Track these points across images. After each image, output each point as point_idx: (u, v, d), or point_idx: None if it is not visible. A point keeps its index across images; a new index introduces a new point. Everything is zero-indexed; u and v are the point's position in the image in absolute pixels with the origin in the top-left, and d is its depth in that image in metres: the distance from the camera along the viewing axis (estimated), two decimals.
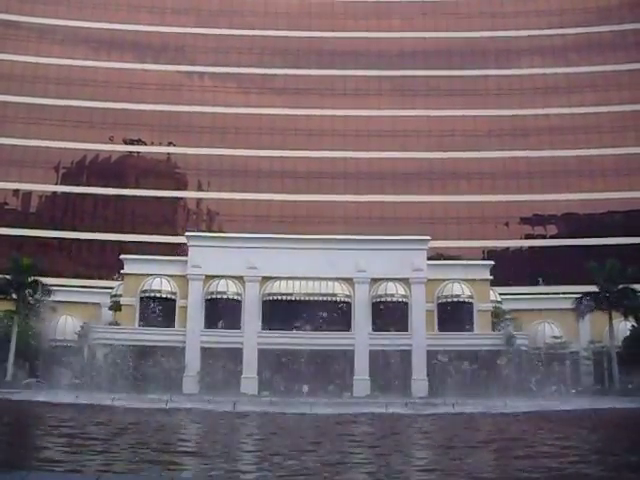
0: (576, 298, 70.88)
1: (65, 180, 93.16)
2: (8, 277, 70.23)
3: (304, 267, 67.38)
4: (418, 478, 16.67)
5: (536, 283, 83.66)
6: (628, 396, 59.24)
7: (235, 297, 68.71)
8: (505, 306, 72.93)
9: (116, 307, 71.42)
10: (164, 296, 68.72)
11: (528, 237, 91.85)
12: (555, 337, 73.88)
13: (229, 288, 68.80)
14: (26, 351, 68.43)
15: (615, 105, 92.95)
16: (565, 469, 16.94)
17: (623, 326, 71.51)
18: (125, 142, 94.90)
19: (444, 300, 68.82)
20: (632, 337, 68.47)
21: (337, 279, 68.82)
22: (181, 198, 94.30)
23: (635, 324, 69.69)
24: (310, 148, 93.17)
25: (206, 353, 65.49)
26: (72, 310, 77.34)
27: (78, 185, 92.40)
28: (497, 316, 71.19)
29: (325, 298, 67.71)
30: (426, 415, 39.76)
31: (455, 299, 68.63)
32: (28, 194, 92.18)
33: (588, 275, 70.76)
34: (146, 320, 67.72)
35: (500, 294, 73.69)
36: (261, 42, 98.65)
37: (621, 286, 68.99)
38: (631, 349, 66.44)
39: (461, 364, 67.60)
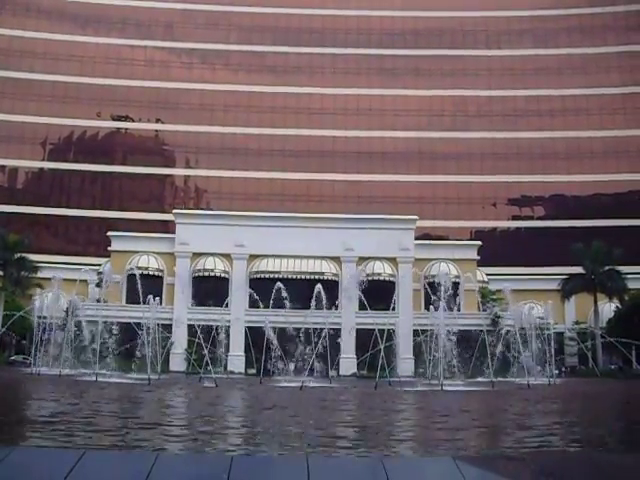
0: (562, 279, 71.34)
1: (52, 156, 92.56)
2: None
3: (292, 245, 67.52)
4: None
5: (523, 264, 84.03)
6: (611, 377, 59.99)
7: (222, 275, 68.81)
8: (492, 286, 73.33)
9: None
10: (151, 273, 68.72)
11: (515, 218, 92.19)
12: (540, 318, 74.35)
13: (216, 266, 68.88)
14: (12, 328, 68.28)
15: (604, 87, 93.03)
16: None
17: (608, 307, 72.13)
18: (113, 118, 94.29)
19: (431, 279, 69.04)
20: (616, 318, 69.03)
21: (325, 257, 68.99)
22: (169, 175, 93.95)
23: (619, 305, 70.24)
24: (299, 126, 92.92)
25: (193, 330, 65.54)
26: (59, 287, 77.11)
27: (65, 161, 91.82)
28: (484, 296, 71.57)
29: (312, 276, 67.84)
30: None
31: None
32: (14, 170, 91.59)
33: (575, 257, 71.20)
34: (133, 297, 67.65)
35: (487, 274, 74.08)
36: (250, 20, 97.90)
37: (607, 268, 69.49)
38: (615, 330, 66.96)
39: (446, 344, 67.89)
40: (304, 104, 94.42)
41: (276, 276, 67.47)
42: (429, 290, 66.76)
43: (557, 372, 65.96)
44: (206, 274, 68.60)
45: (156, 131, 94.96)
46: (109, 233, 73.14)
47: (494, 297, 72.73)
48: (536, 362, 65.99)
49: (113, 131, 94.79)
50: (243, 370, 64.33)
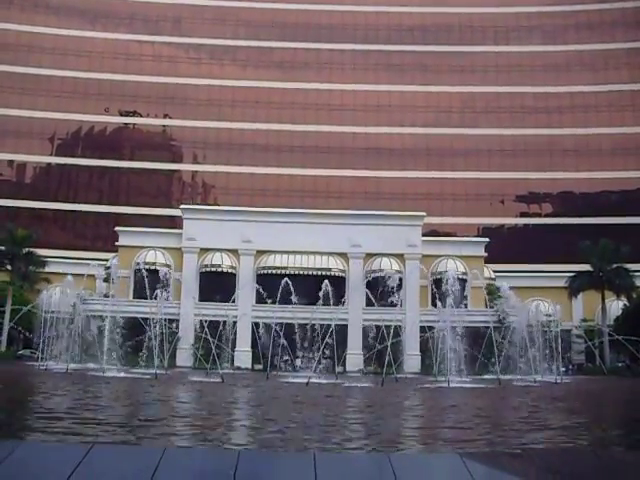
0: (570, 277, 71.16)
1: (60, 151, 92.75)
2: (3, 248, 70.16)
3: (299, 241, 67.54)
4: None
5: (530, 261, 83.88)
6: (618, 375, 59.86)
7: (230, 270, 68.90)
8: (499, 283, 73.17)
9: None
10: (159, 268, 68.82)
11: (523, 215, 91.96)
12: (548, 315, 74.17)
13: (224, 261, 68.99)
14: (20, 322, 68.54)
15: (613, 84, 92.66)
16: None
17: (615, 305, 71.93)
18: (121, 114, 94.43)
19: (438, 276, 68.98)
20: (624, 316, 68.85)
21: (332, 254, 68.98)
22: (177, 171, 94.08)
23: (627, 303, 70.04)
24: (307, 122, 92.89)
25: (200, 326, 65.68)
26: (71, 286, 77.30)
27: (73, 156, 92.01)
28: (491, 293, 71.44)
29: (319, 272, 67.86)
30: None
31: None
32: (23, 165, 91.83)
33: (582, 254, 70.99)
34: (140, 292, 67.80)
35: (494, 271, 73.92)
36: (258, 15, 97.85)
37: (615, 265, 69.27)
38: (622, 328, 66.80)
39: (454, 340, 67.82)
40: (312, 100, 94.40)
41: (283, 272, 67.43)
42: (435, 287, 66.87)
43: (564, 370, 65.89)
44: (213, 269, 68.74)
45: (164, 126, 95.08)
46: (117, 228, 73.32)
47: (501, 294, 72.59)
48: (542, 360, 65.92)
49: (121, 126, 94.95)
50: (250, 365, 64.40)
